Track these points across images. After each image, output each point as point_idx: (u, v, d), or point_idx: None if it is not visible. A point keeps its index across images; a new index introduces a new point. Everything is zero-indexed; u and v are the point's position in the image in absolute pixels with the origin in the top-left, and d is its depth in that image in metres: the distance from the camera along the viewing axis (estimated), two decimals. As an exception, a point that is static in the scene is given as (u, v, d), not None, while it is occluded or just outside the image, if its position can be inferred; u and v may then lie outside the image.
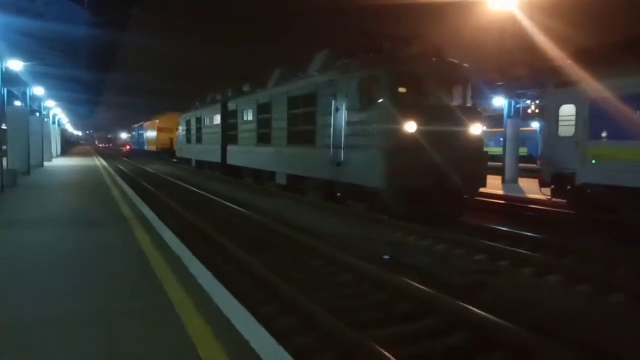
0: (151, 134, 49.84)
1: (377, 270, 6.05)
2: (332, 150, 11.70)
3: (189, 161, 31.43)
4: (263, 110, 17.19)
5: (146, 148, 52.98)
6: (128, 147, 75.29)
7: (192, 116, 29.96)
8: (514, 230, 9.02)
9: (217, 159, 23.34)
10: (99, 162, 31.15)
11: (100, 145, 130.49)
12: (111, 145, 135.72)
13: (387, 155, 9.81)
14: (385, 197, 10.21)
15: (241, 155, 20.10)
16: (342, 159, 11.29)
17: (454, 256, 7.53)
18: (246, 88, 21.09)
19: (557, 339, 4.06)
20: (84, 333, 3.40)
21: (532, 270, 6.56)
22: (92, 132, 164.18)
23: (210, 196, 14.49)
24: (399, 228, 9.39)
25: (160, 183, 20.10)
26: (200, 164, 28.21)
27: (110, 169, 23.65)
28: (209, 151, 24.92)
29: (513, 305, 5.22)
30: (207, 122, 25.94)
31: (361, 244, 8.25)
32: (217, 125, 23.34)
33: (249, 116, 19.02)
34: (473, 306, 4.62)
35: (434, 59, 11.03)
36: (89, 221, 8.05)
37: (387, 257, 7.28)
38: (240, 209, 11.60)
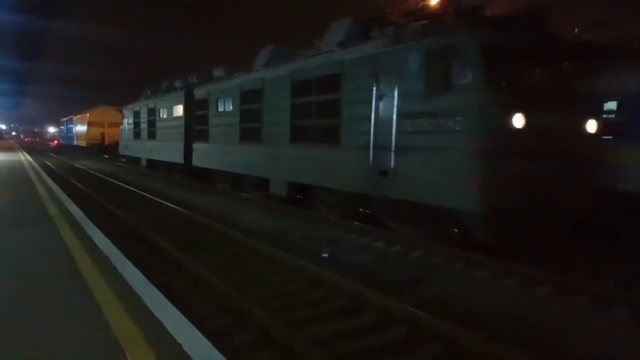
0: (81, 128, 47.47)
1: (315, 268, 6.07)
2: (371, 152, 8.54)
3: (137, 160, 26.21)
4: (249, 98, 13.28)
5: (75, 143, 50.48)
6: (56, 142, 71.41)
7: (141, 107, 24.09)
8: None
9: (178, 159, 18.67)
10: (24, 157, 29.25)
11: (26, 140, 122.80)
12: (37, 139, 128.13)
13: (484, 162, 6.73)
14: (476, 223, 7.09)
15: (214, 155, 15.70)
16: (392, 164, 8.06)
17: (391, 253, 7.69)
18: (218, 72, 17.04)
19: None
20: (2, 339, 3.16)
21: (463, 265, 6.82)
22: (17, 125, 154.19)
23: (144, 194, 13.98)
24: (339, 226, 9.46)
25: (90, 180, 19.13)
26: (153, 165, 23.26)
27: (36, 165, 22.23)
28: (167, 149, 20.07)
29: (445, 300, 5.40)
30: (163, 113, 20.94)
31: (300, 242, 8.26)
32: (179, 117, 18.73)
33: (227, 106, 14.79)
34: (406, 301, 4.74)
35: (539, 25, 7.75)
36: (9, 220, 7.51)
37: (325, 254, 7.32)
38: (177, 207, 11.27)
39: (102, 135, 44.13)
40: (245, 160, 13.56)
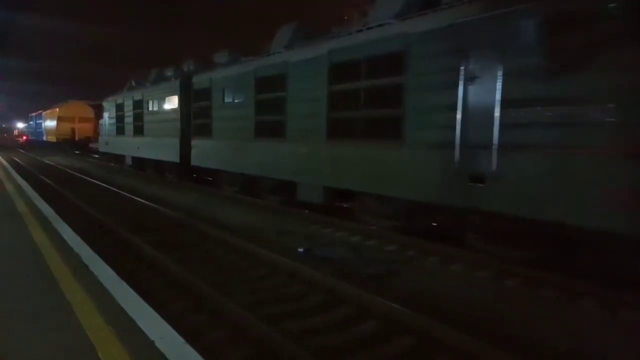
0: (50, 123, 46.32)
1: (291, 263, 6.09)
2: (457, 151, 6.68)
3: (119, 158, 23.44)
4: (267, 86, 11.12)
5: (45, 138, 49.27)
6: (25, 138, 69.54)
7: (125, 99, 21.21)
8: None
9: (172, 157, 16.17)
10: (-10, 153, 28.40)
11: None
12: (5, 135, 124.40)
13: None
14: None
15: (220, 153, 13.39)
16: (494, 167, 6.22)
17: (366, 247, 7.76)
18: (222, 57, 14.78)
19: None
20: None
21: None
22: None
23: (117, 190, 13.74)
24: (315, 220, 9.48)
25: (60, 176, 18.69)
26: (140, 164, 20.53)
27: (3, 161, 21.61)
28: (157, 146, 17.54)
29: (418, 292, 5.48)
30: (152, 106, 18.20)
31: (276, 237, 8.26)
32: (173, 110, 16.16)
33: (238, 96, 12.50)
34: (381, 295, 4.80)
35: None
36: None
37: (302, 249, 7.34)
38: (151, 204, 11.12)
39: (73, 130, 43.19)
40: (262, 160, 11.36)
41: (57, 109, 44.04)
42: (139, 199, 11.87)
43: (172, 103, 16.44)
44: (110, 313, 3.52)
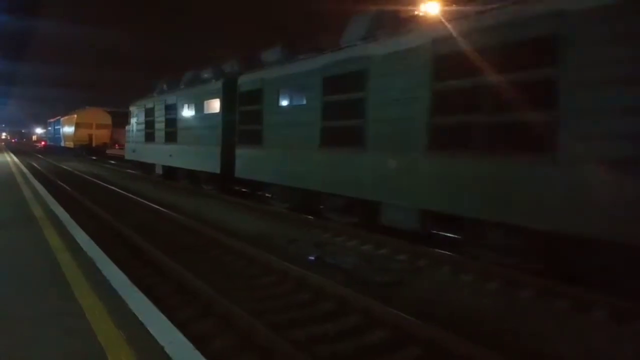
0: (68, 129, 47.15)
1: (301, 271, 6.10)
2: None
3: (148, 167, 21.25)
4: (339, 86, 9.34)
5: (63, 144, 50.13)
6: (43, 143, 70.78)
7: (156, 103, 19.49)
8: None
9: (211, 167, 14.44)
10: (10, 158, 28.93)
11: (13, 140, 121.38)
12: (24, 140, 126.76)
13: None
14: None
15: (272, 165, 11.56)
16: None
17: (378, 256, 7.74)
18: (272, 56, 12.47)
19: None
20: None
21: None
22: (3, 126, 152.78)
23: (130, 195, 13.91)
24: (327, 229, 9.48)
25: (77, 181, 18.99)
26: (171, 173, 18.63)
27: (22, 166, 22.00)
28: (193, 155, 15.89)
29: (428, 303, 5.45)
30: (188, 110, 16.57)
31: (288, 245, 8.28)
32: (214, 115, 14.49)
33: (298, 99, 10.79)
34: (390, 304, 4.79)
35: None
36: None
37: (312, 257, 7.35)
38: (162, 209, 11.23)
39: (90, 136, 43.95)
40: (329, 173, 9.58)
41: (75, 115, 44.85)
42: (151, 204, 12.00)
43: (212, 107, 14.84)
44: (121, 317, 3.57)
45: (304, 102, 10.46)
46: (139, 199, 13.23)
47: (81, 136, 43.65)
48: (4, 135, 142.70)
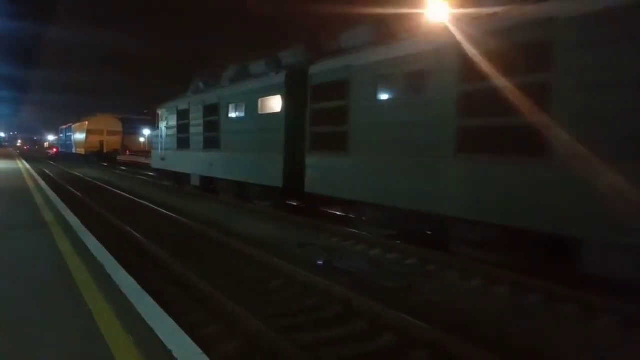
0: (80, 136, 47.69)
1: (309, 275, 6.10)
2: None
3: (181, 178, 18.64)
4: (482, 70, 6.54)
5: (74, 151, 50.70)
6: (55, 150, 71.60)
7: (191, 104, 16.93)
8: None
9: (269, 179, 11.87)
10: (22, 165, 29.28)
11: (25, 147, 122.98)
12: (37, 147, 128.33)
13: None
14: None
15: (365, 178, 8.85)
16: None
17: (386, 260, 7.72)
18: (356, 38, 9.91)
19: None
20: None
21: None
22: (16, 133, 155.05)
23: (141, 201, 14.01)
24: (335, 233, 9.47)
25: (88, 188, 19.17)
26: (210, 184, 16.21)
27: (34, 173, 22.25)
28: (244, 164, 13.21)
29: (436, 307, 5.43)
30: (235, 111, 13.91)
31: (296, 249, 8.29)
32: (273, 115, 11.84)
33: (411, 91, 8.01)
34: (398, 308, 4.77)
35: None
36: (4, 226, 7.53)
37: (320, 261, 7.35)
38: (171, 214, 11.30)
39: (101, 143, 44.44)
40: (474, 191, 6.77)
41: (86, 122, 45.37)
42: (160, 209, 12.08)
43: (270, 106, 12.22)
44: (129, 321, 3.59)
45: (428, 93, 7.54)
46: (148, 204, 13.32)
47: (92, 143, 44.15)
48: (19, 142, 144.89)
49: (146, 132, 59.45)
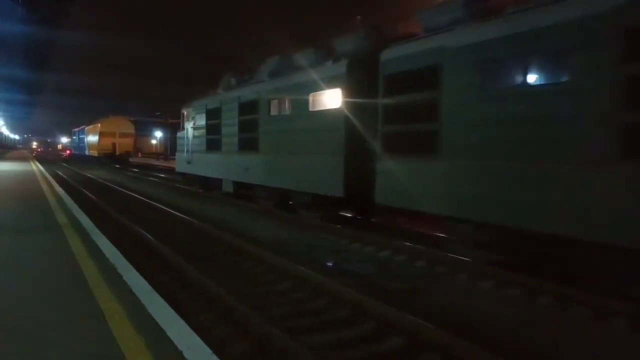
0: (92, 138, 48.23)
1: (318, 277, 6.13)
2: None
3: (210, 183, 17.07)
4: None
5: (87, 153, 51.28)
6: (68, 152, 72.46)
7: (223, 102, 15.31)
8: None
9: (324, 187, 10.19)
10: (36, 167, 29.66)
11: (39, 149, 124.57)
12: (50, 149, 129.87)
13: None
14: None
15: (463, 187, 7.11)
16: None
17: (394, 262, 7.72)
18: (453, 11, 7.82)
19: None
20: (2, 347, 3.24)
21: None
22: (30, 135, 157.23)
23: (152, 202, 14.13)
24: (344, 235, 9.48)
25: (100, 189, 19.38)
26: (245, 191, 14.65)
27: (48, 175, 22.54)
28: (290, 169, 11.57)
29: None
30: (278, 109, 12.35)
31: (306, 251, 8.32)
32: (330, 112, 10.14)
33: (546, 74, 6.36)
34: (407, 310, 4.77)
35: None
36: (18, 228, 7.65)
37: (330, 263, 7.38)
38: (182, 215, 11.39)
39: (114, 145, 44.89)
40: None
41: (99, 125, 45.86)
42: (172, 211, 12.18)
43: (325, 101, 10.51)
44: (140, 322, 3.64)
45: (567, 78, 5.87)
46: (160, 205, 13.43)
47: (105, 145, 44.63)
48: (34, 144, 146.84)
49: (158, 134, 59.97)
